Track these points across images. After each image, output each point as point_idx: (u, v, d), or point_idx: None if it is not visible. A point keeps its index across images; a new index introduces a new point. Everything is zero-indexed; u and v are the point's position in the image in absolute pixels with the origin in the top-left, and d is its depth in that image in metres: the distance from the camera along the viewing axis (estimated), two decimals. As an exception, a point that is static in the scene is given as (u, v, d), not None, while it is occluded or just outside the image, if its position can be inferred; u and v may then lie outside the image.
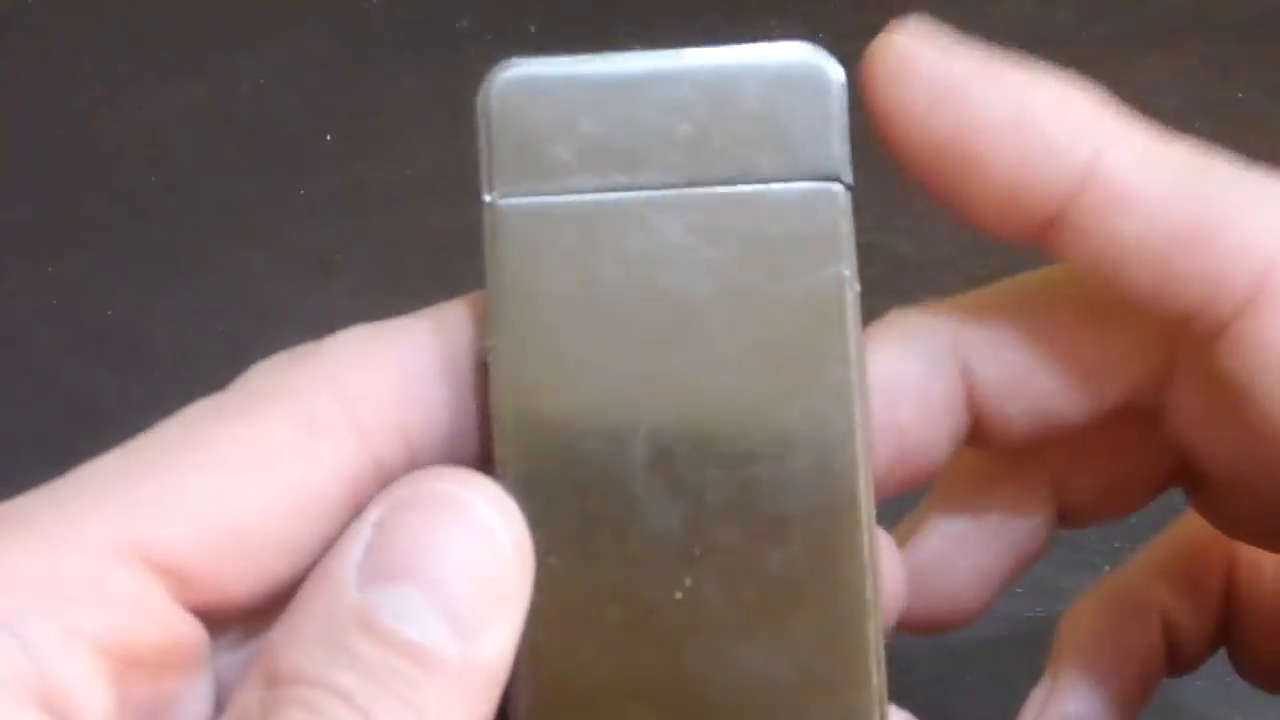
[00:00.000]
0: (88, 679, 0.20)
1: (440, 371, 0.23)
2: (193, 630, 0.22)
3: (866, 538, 0.23)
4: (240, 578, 0.22)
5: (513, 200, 0.23)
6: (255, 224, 0.48)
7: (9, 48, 0.52)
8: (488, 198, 0.23)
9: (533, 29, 0.52)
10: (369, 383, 0.23)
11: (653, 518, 0.22)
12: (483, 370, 0.23)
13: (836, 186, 0.24)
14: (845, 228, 0.24)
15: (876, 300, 0.49)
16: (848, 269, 0.23)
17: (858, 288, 0.24)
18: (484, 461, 0.23)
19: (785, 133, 0.24)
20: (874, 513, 0.23)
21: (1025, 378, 0.25)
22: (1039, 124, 0.24)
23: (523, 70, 0.23)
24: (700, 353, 0.23)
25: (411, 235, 0.48)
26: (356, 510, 0.23)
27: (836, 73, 0.24)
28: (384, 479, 0.23)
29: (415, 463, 0.23)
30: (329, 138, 0.50)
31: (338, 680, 0.20)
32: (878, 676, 0.23)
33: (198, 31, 0.52)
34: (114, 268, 0.47)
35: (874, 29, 0.56)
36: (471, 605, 0.21)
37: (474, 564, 0.21)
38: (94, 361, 0.45)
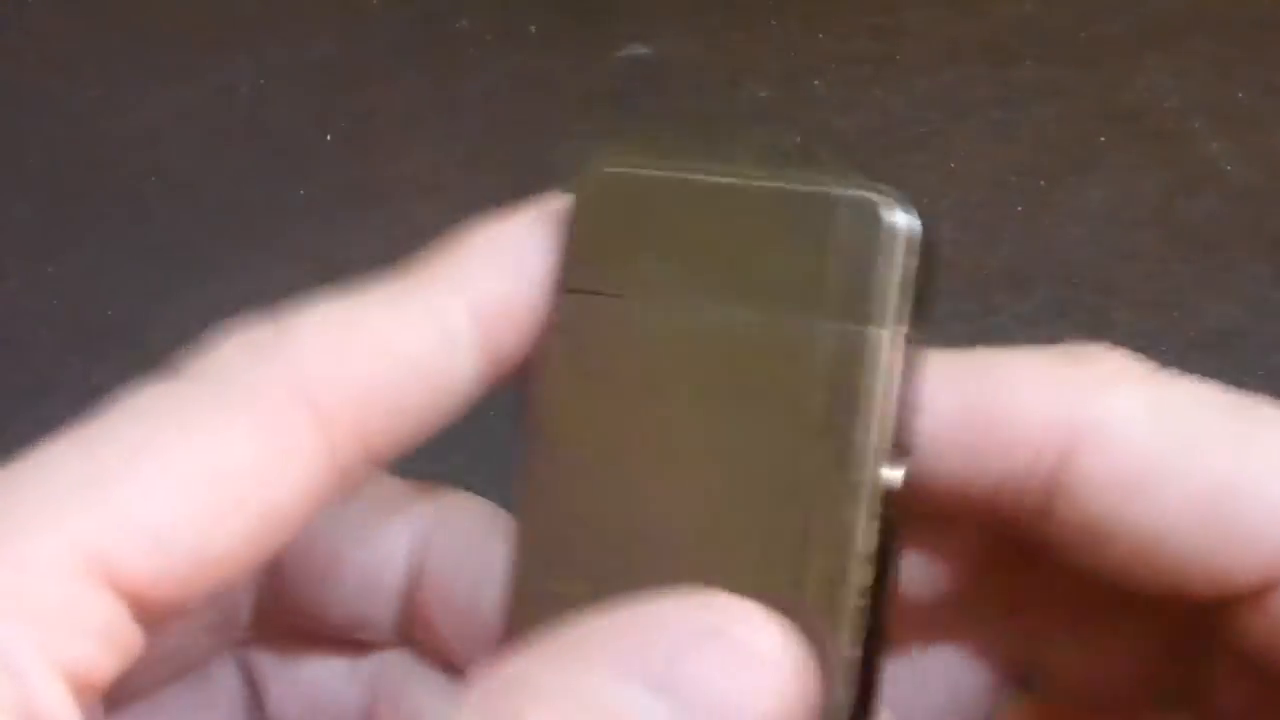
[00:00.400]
0: (65, 708, 0.20)
1: (410, 372, 0.23)
2: (141, 646, 0.21)
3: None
4: (196, 595, 0.21)
5: (578, 295, 0.25)
6: (255, 224, 0.48)
7: (9, 48, 0.52)
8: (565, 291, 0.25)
9: (533, 29, 0.52)
10: (339, 390, 0.22)
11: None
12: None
13: (873, 330, 0.24)
14: (871, 375, 0.24)
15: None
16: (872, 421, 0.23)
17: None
18: None
19: (836, 272, 0.24)
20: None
21: None
22: (1016, 399, 0.23)
23: (613, 170, 0.25)
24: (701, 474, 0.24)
25: (411, 235, 0.48)
26: (315, 513, 0.22)
27: (902, 222, 0.24)
28: (346, 483, 0.22)
29: (374, 459, 0.23)
30: (329, 138, 0.50)
31: None
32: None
33: (198, 32, 0.52)
34: (114, 268, 0.47)
35: (874, 29, 0.56)
36: None
37: None
38: (94, 361, 0.45)
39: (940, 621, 0.26)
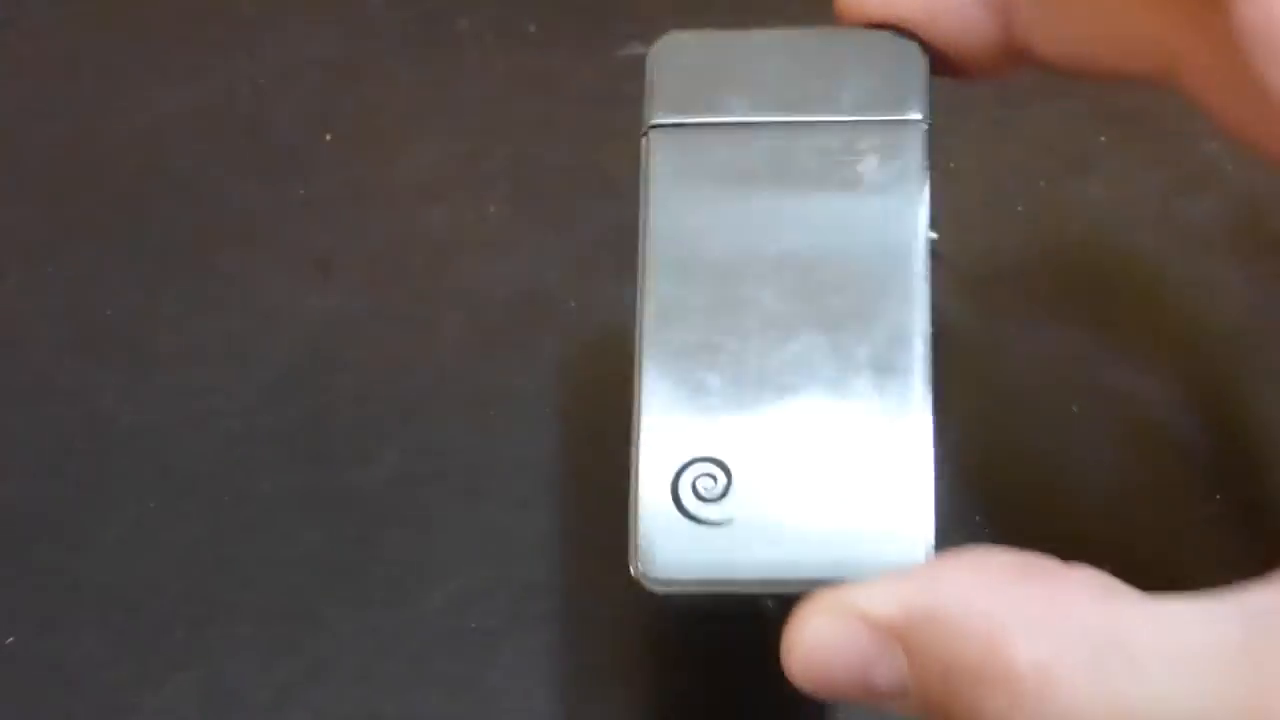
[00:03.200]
0: None
1: None
2: None
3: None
4: None
5: (668, 120, 0.34)
6: (255, 224, 0.48)
7: (9, 48, 0.52)
8: (651, 120, 0.34)
9: (532, 29, 0.52)
10: None
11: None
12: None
13: (916, 117, 0.33)
14: (922, 150, 0.33)
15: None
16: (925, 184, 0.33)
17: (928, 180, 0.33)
18: None
19: (880, 83, 0.33)
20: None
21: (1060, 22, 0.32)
22: None
23: (679, 36, 0.35)
24: (800, 237, 0.32)
25: (411, 235, 0.48)
26: None
27: (919, 47, 0.33)
28: None
29: None
30: (329, 138, 0.50)
31: None
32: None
33: (197, 31, 0.52)
34: (114, 268, 0.47)
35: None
36: None
37: None
38: (94, 361, 0.45)
39: None
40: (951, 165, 0.49)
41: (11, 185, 0.49)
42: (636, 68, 0.52)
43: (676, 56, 0.34)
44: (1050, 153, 0.49)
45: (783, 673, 0.28)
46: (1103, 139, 0.50)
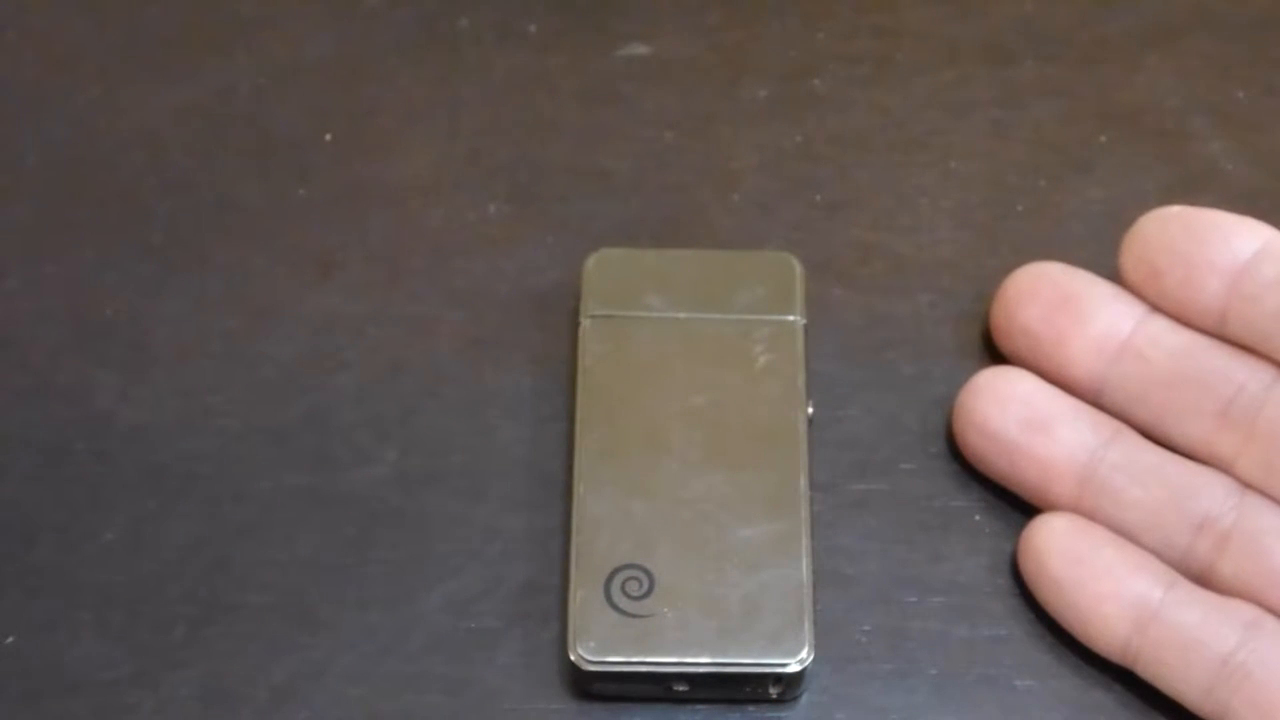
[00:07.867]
0: None
1: None
2: None
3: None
4: None
5: (601, 312, 0.43)
6: (255, 224, 0.48)
7: (9, 48, 0.52)
8: (588, 313, 0.43)
9: (533, 29, 0.52)
10: None
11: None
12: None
13: (794, 318, 0.42)
14: (800, 342, 0.42)
15: (877, 300, 0.49)
16: (801, 377, 0.42)
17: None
18: None
19: (769, 292, 0.43)
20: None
21: None
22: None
23: (609, 251, 0.44)
24: (703, 413, 0.41)
25: (411, 235, 0.48)
26: None
27: (798, 265, 0.43)
28: None
29: None
30: (329, 138, 0.50)
31: None
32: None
33: (197, 31, 0.52)
34: (114, 268, 0.47)
35: (874, 29, 0.56)
36: None
37: None
38: (94, 361, 0.45)
39: None
40: (951, 165, 0.49)
41: (11, 185, 0.49)
42: (636, 68, 0.52)
43: (608, 267, 0.43)
44: (1050, 153, 0.49)
45: None
46: (1103, 139, 0.50)
